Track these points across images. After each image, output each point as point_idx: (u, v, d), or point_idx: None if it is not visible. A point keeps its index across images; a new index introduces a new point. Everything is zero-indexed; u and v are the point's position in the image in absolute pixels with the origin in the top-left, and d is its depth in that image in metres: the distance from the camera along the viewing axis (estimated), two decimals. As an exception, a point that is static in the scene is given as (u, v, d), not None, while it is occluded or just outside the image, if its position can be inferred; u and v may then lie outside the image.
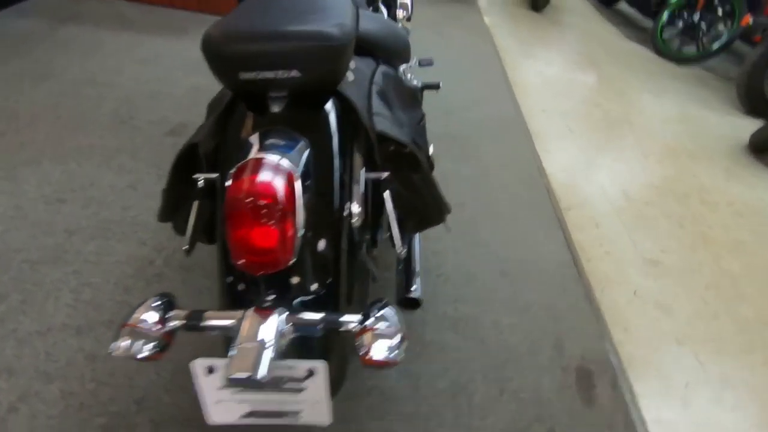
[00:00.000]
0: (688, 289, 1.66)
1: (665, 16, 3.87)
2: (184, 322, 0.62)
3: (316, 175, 0.68)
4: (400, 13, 1.54)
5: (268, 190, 0.58)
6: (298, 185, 0.61)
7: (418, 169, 0.79)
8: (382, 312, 0.63)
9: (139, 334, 0.60)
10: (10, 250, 1.34)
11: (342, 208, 0.70)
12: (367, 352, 0.57)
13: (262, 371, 0.55)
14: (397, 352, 0.57)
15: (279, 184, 0.59)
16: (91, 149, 1.73)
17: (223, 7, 2.99)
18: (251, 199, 0.57)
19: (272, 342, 0.58)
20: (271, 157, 0.61)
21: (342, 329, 0.62)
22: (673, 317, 1.54)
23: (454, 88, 2.73)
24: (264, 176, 0.59)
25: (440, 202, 0.87)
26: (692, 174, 2.37)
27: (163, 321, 0.62)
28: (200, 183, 0.73)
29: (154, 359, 0.62)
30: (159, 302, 0.64)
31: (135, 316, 0.61)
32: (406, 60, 1.21)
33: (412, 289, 1.00)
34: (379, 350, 0.57)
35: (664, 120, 2.90)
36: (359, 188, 0.75)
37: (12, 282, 1.26)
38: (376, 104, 0.78)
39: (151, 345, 0.60)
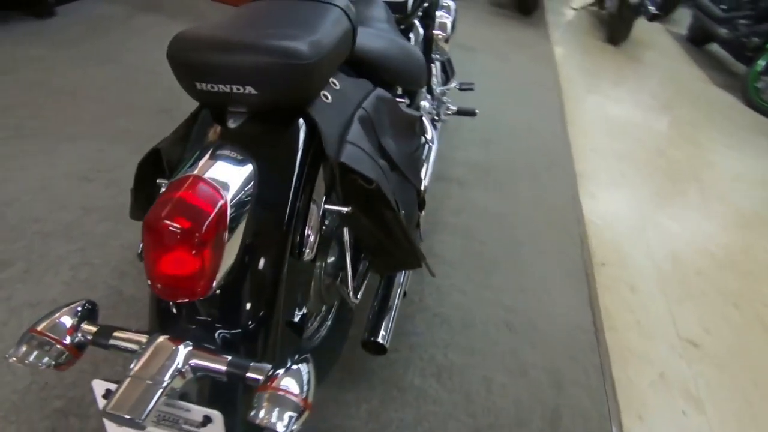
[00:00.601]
0: (730, 384, 1.42)
1: (762, 63, 3.47)
2: (91, 337, 0.59)
3: (265, 201, 0.62)
4: (437, 34, 1.47)
5: (188, 214, 0.53)
6: (228, 212, 0.56)
7: (385, 207, 0.71)
8: (296, 367, 0.55)
9: (42, 343, 0.57)
10: (28, 219, 1.41)
11: (287, 240, 0.64)
12: (255, 414, 0.50)
13: (144, 414, 0.49)
14: (290, 426, 0.49)
15: (203, 209, 0.54)
16: (127, 133, 1.81)
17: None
18: (168, 221, 0.53)
19: (168, 380, 0.53)
20: (206, 178, 0.56)
21: (248, 378, 0.55)
22: (704, 415, 1.31)
23: (502, 115, 2.61)
24: (188, 198, 0.54)
25: (414, 247, 0.78)
26: (764, 249, 2.07)
27: (74, 331, 0.59)
28: (162, 189, 0.70)
29: (58, 370, 0.59)
30: (78, 310, 0.61)
31: (45, 323, 0.58)
32: (419, 84, 1.14)
33: (381, 333, 0.92)
34: (269, 415, 0.49)
35: (739, 180, 2.57)
36: (315, 220, 0.69)
37: (22, 250, 1.32)
38: (354, 132, 0.71)
39: (53, 356, 0.57)
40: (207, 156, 0.60)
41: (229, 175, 0.59)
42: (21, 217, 1.41)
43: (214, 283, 0.56)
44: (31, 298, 1.22)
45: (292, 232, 0.65)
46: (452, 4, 1.57)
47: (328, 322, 1.05)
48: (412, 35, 1.37)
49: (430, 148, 1.46)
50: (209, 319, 0.62)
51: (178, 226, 0.53)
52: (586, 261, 1.74)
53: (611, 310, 1.57)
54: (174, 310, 0.63)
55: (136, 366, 0.54)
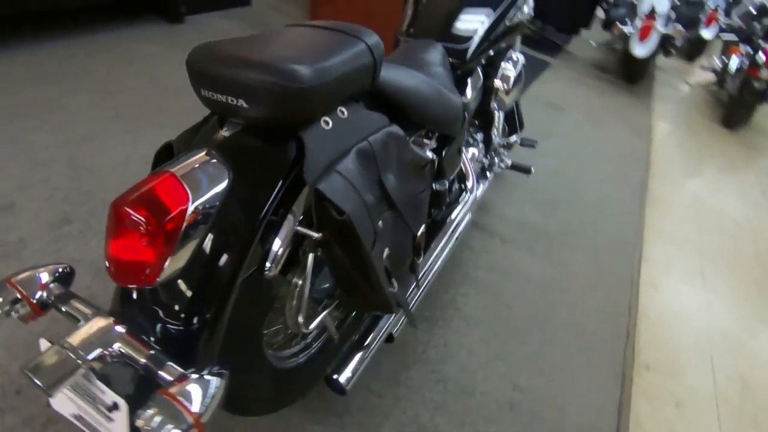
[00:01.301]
0: None
1: None
2: (52, 300, 0.63)
3: (234, 211, 0.64)
4: (499, 84, 1.44)
5: (150, 206, 0.56)
6: (189, 212, 0.58)
7: (351, 242, 0.68)
8: (207, 378, 0.54)
9: (11, 293, 0.62)
10: (99, 188, 1.60)
11: (247, 251, 0.64)
12: (141, 416, 0.49)
13: (52, 383, 0.51)
14: None
15: (165, 205, 0.57)
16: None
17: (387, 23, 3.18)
18: (130, 209, 0.56)
19: (89, 358, 0.55)
20: (179, 177, 0.59)
21: (159, 375, 0.55)
22: None
23: (573, 181, 2.44)
24: (156, 191, 0.57)
25: (382, 290, 0.74)
26: None
27: (43, 289, 0.64)
28: None
29: (21, 321, 0.64)
30: (57, 271, 0.66)
31: (22, 276, 0.64)
32: (450, 129, 1.10)
33: (344, 373, 0.87)
34: (151, 423, 0.48)
35: None
36: (284, 239, 0.69)
37: (84, 213, 1.50)
38: (347, 162, 0.71)
39: (18, 309, 0.62)
40: (193, 157, 0.64)
41: (204, 179, 0.61)
42: (94, 185, 1.61)
43: (160, 277, 0.58)
44: (76, 255, 1.36)
45: (256, 246, 0.66)
46: (521, 58, 1.53)
47: (313, 348, 1.02)
48: (470, 81, 1.36)
49: (468, 196, 1.41)
50: (158, 310, 0.63)
51: (137, 215, 0.56)
52: (627, 358, 1.52)
53: (644, 423, 1.35)
54: (132, 295, 0.65)
55: (69, 336, 0.56)
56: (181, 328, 0.63)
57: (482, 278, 1.67)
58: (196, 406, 0.51)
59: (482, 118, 1.68)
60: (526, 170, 1.79)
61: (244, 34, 3.14)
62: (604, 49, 5.32)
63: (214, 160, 0.64)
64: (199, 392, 0.53)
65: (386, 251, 0.80)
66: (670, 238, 2.25)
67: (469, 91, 1.36)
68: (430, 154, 1.03)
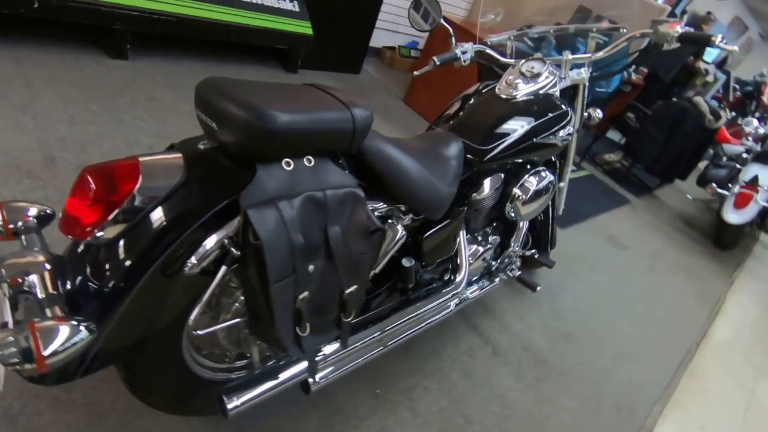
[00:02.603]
0: None
1: None
2: (23, 230, 0.77)
3: (173, 209, 0.74)
4: (516, 192, 1.46)
5: (104, 179, 0.69)
6: (133, 195, 0.70)
7: (258, 268, 0.74)
8: (74, 323, 0.62)
9: None
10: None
11: (170, 245, 0.74)
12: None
13: None
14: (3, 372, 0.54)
15: (116, 182, 0.69)
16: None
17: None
18: (90, 174, 0.69)
19: (10, 276, 0.66)
20: (141, 165, 0.72)
21: (44, 312, 0.64)
22: None
23: (602, 322, 2.26)
24: (116, 169, 0.71)
25: (272, 328, 0.78)
26: None
27: (23, 218, 0.79)
28: None
29: None
30: (45, 211, 0.81)
31: (15, 204, 0.80)
32: (430, 215, 1.14)
33: (231, 395, 0.89)
34: (2, 350, 0.56)
35: None
36: (209, 246, 0.77)
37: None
38: (294, 202, 0.78)
39: None
40: (164, 155, 0.77)
41: (161, 173, 0.74)
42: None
43: (90, 237, 0.70)
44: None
45: (184, 244, 0.75)
46: (549, 177, 1.53)
47: (234, 372, 1.06)
48: (487, 181, 1.41)
49: (452, 288, 1.40)
50: (86, 267, 0.74)
51: (91, 180, 0.69)
52: None
53: None
54: (78, 249, 0.77)
55: (7, 257, 0.69)
56: (95, 287, 0.73)
57: (453, 380, 1.59)
58: (49, 349, 0.58)
59: (504, 223, 1.69)
60: (532, 287, 1.72)
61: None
62: (702, 206, 5.00)
63: (179, 162, 0.76)
64: (61, 337, 0.60)
65: (305, 294, 0.84)
66: (698, 425, 1.94)
67: (482, 189, 1.41)
68: (400, 229, 1.08)
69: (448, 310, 1.47)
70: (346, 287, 0.90)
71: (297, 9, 3.11)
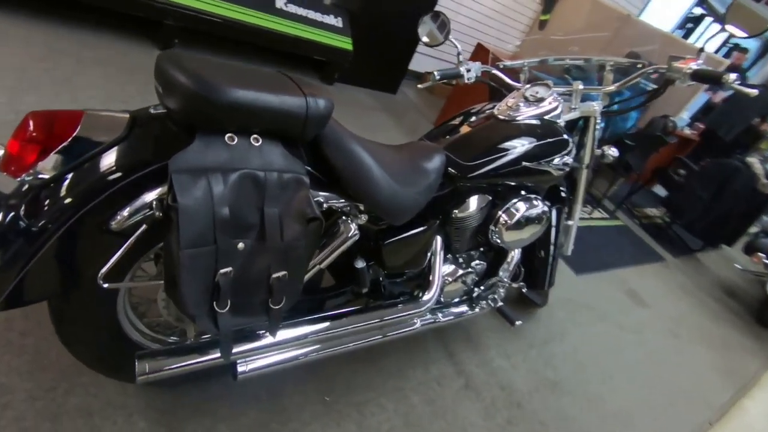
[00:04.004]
0: None
1: None
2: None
3: (107, 163, 0.77)
4: (501, 215, 1.40)
5: (45, 125, 0.73)
6: (67, 142, 0.74)
7: (171, 231, 0.75)
8: None
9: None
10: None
11: (98, 196, 0.76)
12: None
13: None
14: None
15: (54, 130, 0.73)
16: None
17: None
18: (35, 117, 0.74)
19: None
20: (84, 117, 0.76)
21: None
22: None
23: (598, 378, 2.08)
24: (60, 117, 0.75)
25: (179, 291, 0.78)
26: None
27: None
28: None
29: None
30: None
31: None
32: (388, 218, 1.12)
33: (144, 360, 0.90)
34: None
35: None
36: (136, 203, 0.79)
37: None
38: (228, 177, 0.79)
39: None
40: (114, 113, 0.81)
41: (101, 129, 0.77)
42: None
43: (22, 176, 0.73)
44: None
45: (110, 198, 0.77)
46: (541, 206, 1.45)
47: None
48: (471, 200, 1.36)
49: (416, 305, 1.34)
50: (21, 204, 0.77)
51: (33, 124, 0.73)
52: None
53: None
54: (22, 188, 0.81)
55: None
56: (24, 225, 0.76)
57: (413, 403, 1.51)
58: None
59: (493, 250, 1.62)
60: (511, 321, 1.62)
61: (375, 113, 3.61)
62: (752, 278, 4.57)
63: (123, 121, 0.79)
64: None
65: (229, 270, 0.83)
66: None
67: (465, 207, 1.36)
68: (353, 227, 1.06)
69: (413, 327, 1.41)
70: (273, 271, 0.88)
71: (340, 24, 3.24)
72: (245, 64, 0.93)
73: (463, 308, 1.61)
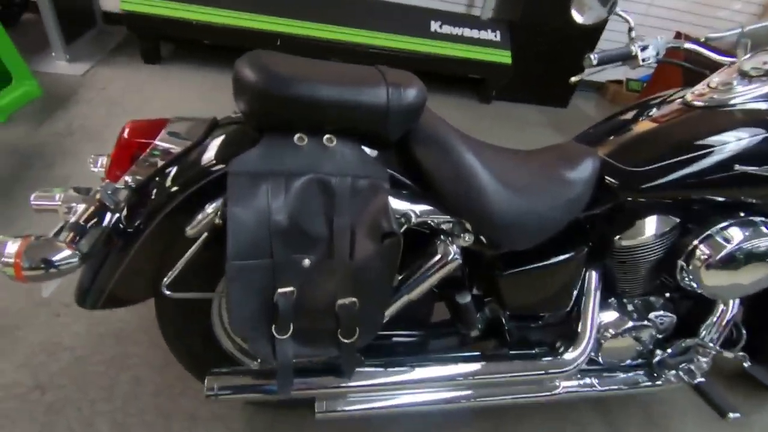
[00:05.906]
0: None
1: None
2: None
3: (183, 168, 0.75)
4: (698, 245, 0.93)
5: (136, 128, 0.76)
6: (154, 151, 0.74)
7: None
8: (59, 248, 0.67)
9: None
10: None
11: (174, 200, 0.74)
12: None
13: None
14: None
15: (139, 134, 0.75)
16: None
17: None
18: (127, 126, 0.77)
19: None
20: (168, 122, 0.77)
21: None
22: None
23: None
24: (144, 122, 0.77)
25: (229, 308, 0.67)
26: None
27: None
28: None
29: None
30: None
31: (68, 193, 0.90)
32: (501, 238, 0.81)
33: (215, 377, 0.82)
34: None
35: None
36: (207, 209, 0.74)
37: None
38: (291, 182, 0.68)
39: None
40: (199, 119, 0.80)
41: (183, 135, 0.77)
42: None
43: (119, 183, 0.76)
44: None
45: (182, 205, 0.74)
46: None
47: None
48: (642, 223, 0.96)
49: (553, 360, 0.99)
50: (120, 203, 0.80)
51: (127, 132, 0.76)
52: None
53: None
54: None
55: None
56: (121, 227, 0.79)
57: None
58: (26, 262, 0.64)
59: (689, 298, 1.12)
60: (721, 410, 1.05)
61: (539, 128, 3.20)
62: None
63: (203, 126, 0.77)
64: (40, 255, 0.65)
65: (290, 289, 0.71)
66: None
67: (635, 233, 0.97)
68: (452, 250, 0.81)
69: (553, 392, 1.05)
70: (340, 297, 0.72)
71: (498, 38, 3.02)
72: (335, 62, 0.82)
73: (638, 377, 1.15)
